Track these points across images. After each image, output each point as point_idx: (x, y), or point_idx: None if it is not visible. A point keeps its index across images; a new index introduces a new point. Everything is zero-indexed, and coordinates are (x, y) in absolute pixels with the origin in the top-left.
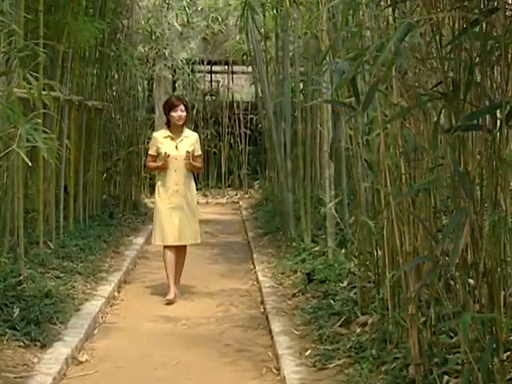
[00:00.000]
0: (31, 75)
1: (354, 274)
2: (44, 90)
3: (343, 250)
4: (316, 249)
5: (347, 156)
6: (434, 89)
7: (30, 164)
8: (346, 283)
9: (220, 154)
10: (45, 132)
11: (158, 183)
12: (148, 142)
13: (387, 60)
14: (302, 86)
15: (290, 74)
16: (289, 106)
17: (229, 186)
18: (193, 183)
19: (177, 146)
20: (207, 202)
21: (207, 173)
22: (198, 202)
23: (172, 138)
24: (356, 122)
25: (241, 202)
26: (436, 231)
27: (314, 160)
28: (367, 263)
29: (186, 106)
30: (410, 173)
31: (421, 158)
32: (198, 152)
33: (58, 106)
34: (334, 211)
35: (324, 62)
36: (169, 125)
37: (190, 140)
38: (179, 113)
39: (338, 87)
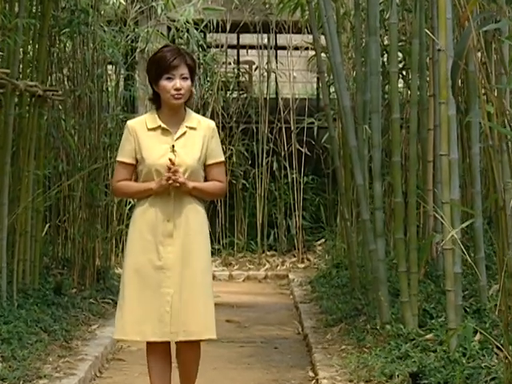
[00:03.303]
0: None
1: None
2: None
3: (477, 336)
4: (428, 336)
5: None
6: None
7: None
8: None
9: (254, 188)
10: None
11: (136, 217)
12: None
13: None
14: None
15: (379, 39)
16: (378, 93)
17: (270, 249)
18: (203, 220)
19: (173, 147)
20: (231, 276)
21: (230, 223)
22: (213, 277)
23: (164, 131)
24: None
25: (291, 275)
26: None
27: (423, 178)
28: None
29: (191, 69)
30: None
31: None
32: (217, 158)
33: None
34: (458, 266)
35: None
36: (158, 104)
37: (199, 134)
38: (178, 83)
39: None
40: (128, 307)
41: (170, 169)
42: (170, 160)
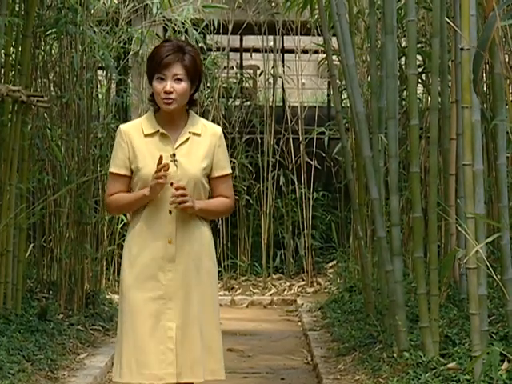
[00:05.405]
0: None
1: None
2: None
3: (505, 364)
4: (450, 365)
5: None
6: None
7: None
8: None
9: (259, 205)
10: None
11: (130, 239)
12: None
13: None
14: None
15: (396, 39)
16: (394, 98)
17: (276, 271)
18: (209, 240)
19: (174, 156)
20: (233, 302)
21: (232, 243)
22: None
23: (164, 137)
24: None
25: (300, 301)
26: None
27: (445, 192)
28: None
29: (188, 70)
30: None
31: None
32: (224, 170)
33: None
34: (484, 288)
35: None
36: (157, 107)
37: (204, 140)
38: (168, 85)
39: None
40: (126, 345)
41: (176, 189)
42: (161, 166)
